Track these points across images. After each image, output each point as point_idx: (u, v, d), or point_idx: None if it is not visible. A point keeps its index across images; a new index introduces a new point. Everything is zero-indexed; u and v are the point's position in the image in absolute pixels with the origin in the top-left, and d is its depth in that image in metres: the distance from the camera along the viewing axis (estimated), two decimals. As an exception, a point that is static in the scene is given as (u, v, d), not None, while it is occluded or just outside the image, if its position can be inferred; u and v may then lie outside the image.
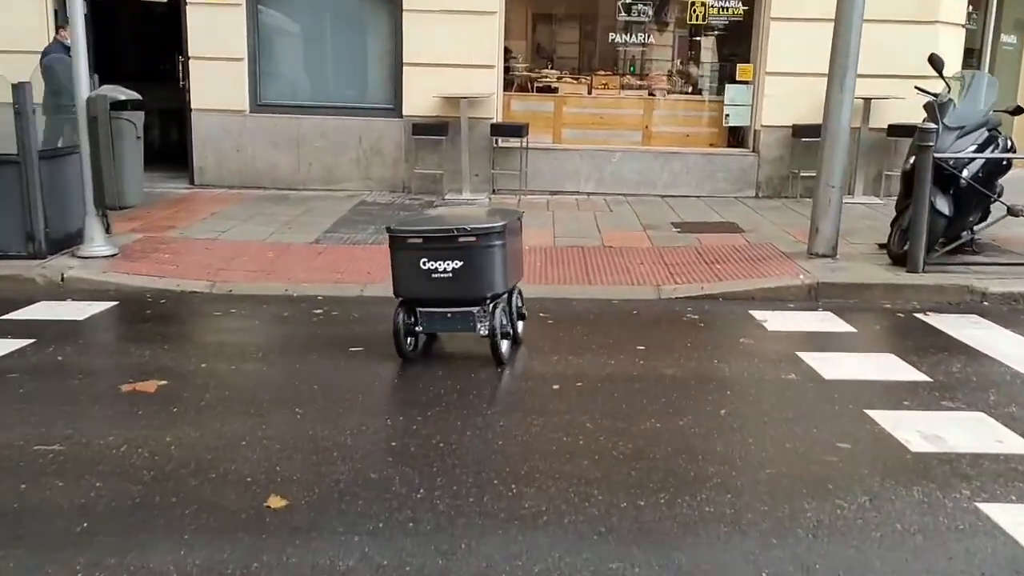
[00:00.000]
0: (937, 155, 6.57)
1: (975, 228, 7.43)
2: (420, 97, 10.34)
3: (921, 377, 4.77)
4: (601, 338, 5.48)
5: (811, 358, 5.08)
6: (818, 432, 3.98)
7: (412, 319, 4.83)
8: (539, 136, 10.94)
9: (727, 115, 10.94)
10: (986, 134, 6.93)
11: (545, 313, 5.95)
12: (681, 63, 11.71)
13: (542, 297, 6.31)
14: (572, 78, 11.43)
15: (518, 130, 10.27)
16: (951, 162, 6.71)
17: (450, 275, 4.61)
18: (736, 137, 11.27)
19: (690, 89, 11.58)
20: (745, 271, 6.92)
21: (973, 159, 6.84)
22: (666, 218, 9.20)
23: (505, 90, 11.07)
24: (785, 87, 10.44)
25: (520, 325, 5.31)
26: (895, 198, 10.65)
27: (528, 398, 4.44)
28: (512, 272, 4.92)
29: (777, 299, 6.49)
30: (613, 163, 10.74)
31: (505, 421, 4.10)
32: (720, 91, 11.09)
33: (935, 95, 7.22)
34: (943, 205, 6.77)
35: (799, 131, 10.33)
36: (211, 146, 10.13)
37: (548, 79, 11.37)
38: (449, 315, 4.73)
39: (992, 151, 6.99)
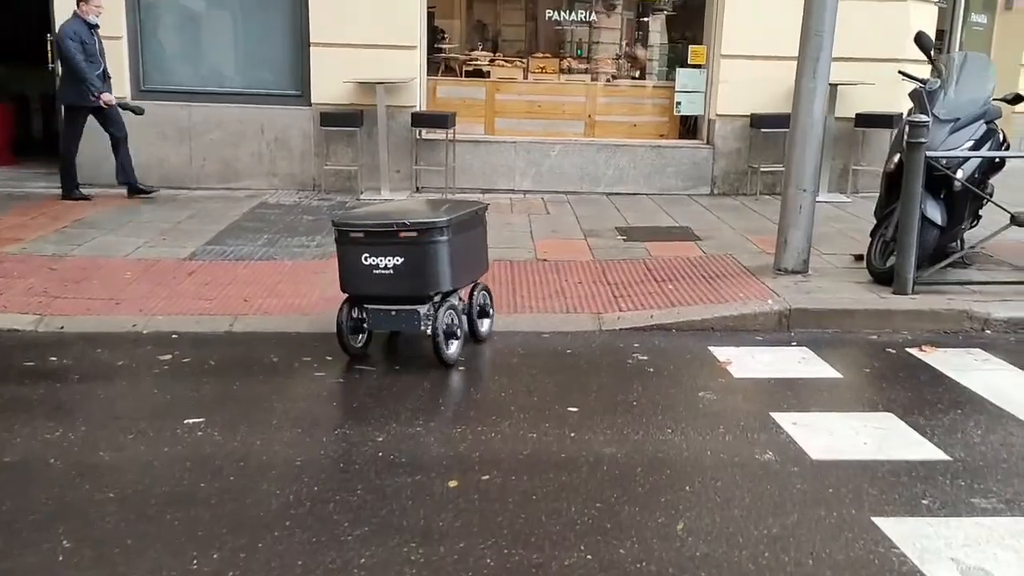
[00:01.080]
0: (929, 153, 5.48)
1: (965, 236, 6.40)
2: (331, 82, 9.00)
3: (935, 453, 3.66)
4: (524, 395, 4.29)
5: (791, 423, 3.94)
6: (815, 568, 2.82)
7: (360, 315, 4.64)
8: (469, 127, 9.69)
9: (678, 103, 9.80)
10: (984, 127, 5.87)
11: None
12: (628, 45, 10.55)
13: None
14: (506, 61, 10.19)
15: (444, 120, 9.00)
16: (943, 161, 5.62)
17: (391, 272, 4.44)
18: (688, 128, 10.15)
19: (637, 74, 10.43)
20: (703, 293, 5.77)
21: (968, 158, 5.77)
22: (611, 221, 8.03)
23: (430, 74, 9.80)
24: (742, 72, 9.32)
25: (486, 323, 5.07)
26: (864, 196, 9.74)
27: (412, 510, 3.17)
28: (464, 269, 4.71)
29: (742, 329, 5.36)
30: (552, 157, 9.54)
31: (370, 554, 2.88)
32: (671, 76, 9.94)
33: (922, 81, 6.14)
34: (935, 213, 5.70)
35: (758, 121, 9.23)
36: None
37: (479, 62, 10.12)
38: (393, 312, 4.55)
39: (990, 147, 5.93)
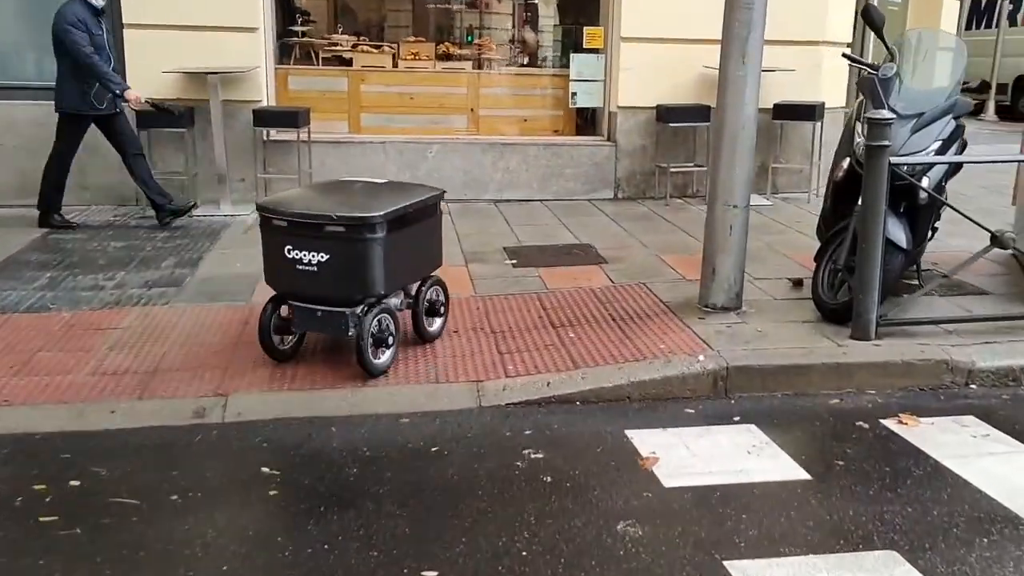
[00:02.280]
0: (893, 159, 4.27)
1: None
2: (150, 73, 7.28)
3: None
4: (356, 551, 2.85)
5: (756, 582, 2.64)
6: None
7: (289, 314, 4.14)
8: (329, 124, 8.15)
9: (574, 94, 8.47)
10: (952, 124, 4.71)
11: (238, 461, 3.28)
12: (515, 26, 9.17)
13: (257, 420, 3.68)
14: (372, 46, 8.68)
15: (294, 117, 7.43)
16: (905, 168, 4.43)
17: (315, 269, 3.93)
18: (587, 122, 8.85)
19: (527, 60, 9.06)
20: (614, 344, 4.45)
21: (933, 164, 4.61)
22: (499, 239, 6.63)
23: (281, 62, 8.21)
24: (646, 57, 8.06)
25: (437, 323, 4.59)
26: (785, 196, 8.66)
27: None
28: (406, 268, 4.24)
29: (668, 397, 4.06)
30: (430, 159, 8.09)
31: None
32: (565, 62, 8.60)
33: (872, 67, 4.95)
34: (898, 233, 4.52)
35: (666, 114, 7.99)
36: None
37: (340, 47, 8.56)
38: (319, 314, 4.04)
39: (957, 149, 4.79)
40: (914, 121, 4.58)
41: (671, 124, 7.99)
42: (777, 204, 8.07)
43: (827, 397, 4.11)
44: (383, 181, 4.93)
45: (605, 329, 4.68)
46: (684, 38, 7.94)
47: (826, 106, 8.14)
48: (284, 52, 8.34)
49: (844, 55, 5.32)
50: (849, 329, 4.48)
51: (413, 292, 4.41)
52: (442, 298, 4.61)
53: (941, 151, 4.63)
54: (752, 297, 5.03)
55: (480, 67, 8.87)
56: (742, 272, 4.87)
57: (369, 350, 3.96)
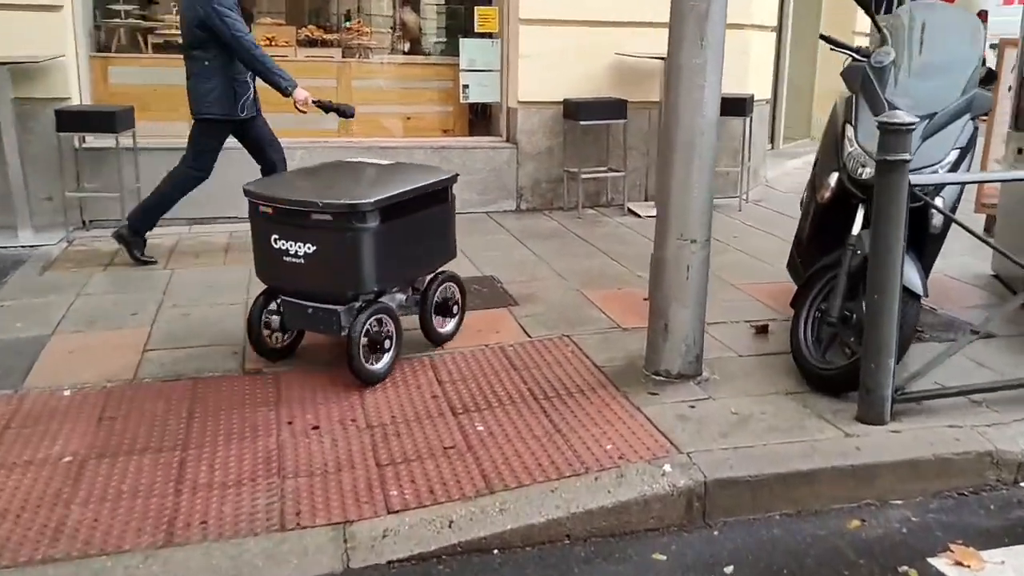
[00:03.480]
0: (915, 179, 3.12)
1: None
2: (-88, 63, 5.58)
3: None
4: None
5: None
6: None
7: (279, 309, 3.80)
8: (163, 126, 6.56)
9: (465, 86, 7.13)
10: (970, 127, 3.60)
11: None
12: (393, 7, 7.77)
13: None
14: (218, 29, 7.09)
15: (111, 119, 5.83)
16: (919, 186, 3.29)
17: (302, 261, 3.55)
18: (482, 119, 7.53)
19: (408, 46, 7.68)
20: (541, 446, 3.15)
21: (964, 182, 3.50)
22: (378, 272, 5.24)
23: (99, 50, 6.57)
24: (550, 42, 6.81)
25: (449, 324, 4.10)
26: (715, 204, 7.50)
27: None
28: (407, 262, 3.79)
29: (625, 532, 2.81)
30: (292, 166, 6.61)
31: None
32: (454, 49, 7.25)
33: (859, 52, 3.82)
34: (912, 275, 3.37)
35: (574, 110, 6.75)
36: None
37: (174, 30, 6.95)
38: (310, 311, 3.68)
39: (971, 159, 3.69)
40: (924, 124, 3.44)
41: (581, 122, 6.75)
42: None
43: (843, 516, 2.93)
44: (390, 163, 4.39)
45: (526, 415, 3.39)
46: (594, 20, 6.73)
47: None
48: (104, 37, 6.69)
49: (823, 37, 4.16)
50: (850, 404, 3.33)
51: (422, 288, 3.98)
52: (457, 295, 4.14)
53: (958, 163, 3.52)
54: (710, 354, 3.83)
55: (352, 55, 7.43)
56: (703, 328, 3.66)
57: (362, 354, 3.57)
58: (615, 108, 6.73)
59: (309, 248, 3.54)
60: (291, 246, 3.57)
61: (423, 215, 3.81)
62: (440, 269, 4.06)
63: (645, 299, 4.67)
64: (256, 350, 3.86)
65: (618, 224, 6.56)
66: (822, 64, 10.21)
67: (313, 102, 5.33)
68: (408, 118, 7.27)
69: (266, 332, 3.84)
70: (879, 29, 3.78)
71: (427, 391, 3.64)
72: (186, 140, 5.49)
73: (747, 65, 7.26)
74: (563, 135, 6.97)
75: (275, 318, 3.84)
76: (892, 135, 3.04)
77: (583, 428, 3.26)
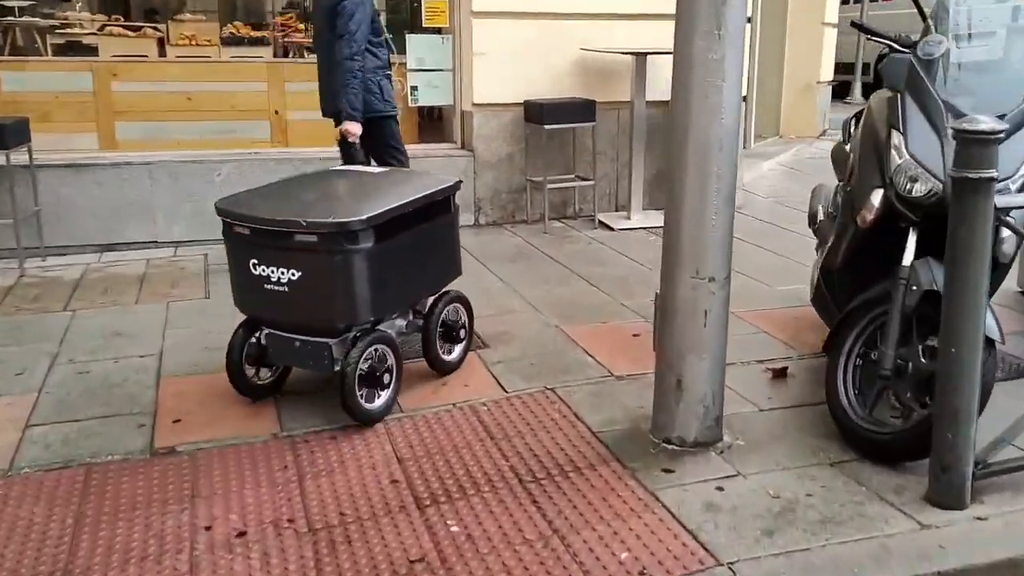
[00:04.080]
0: (1000, 202, 2.47)
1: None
2: None
3: None
4: None
5: None
6: None
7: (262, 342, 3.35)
8: (65, 139, 5.72)
9: (413, 88, 6.37)
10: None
11: None
12: None
13: None
14: (129, 28, 6.26)
15: (-1, 134, 4.98)
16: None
17: (285, 289, 3.09)
18: (434, 124, 6.79)
19: (348, 44, 6.87)
20: (536, 556, 2.43)
21: None
22: (320, 308, 4.47)
23: (-13, 52, 5.69)
24: (507, 37, 6.10)
25: (456, 350, 3.64)
26: None
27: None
28: (406, 285, 3.35)
29: None
30: (219, 183, 5.80)
31: None
32: (400, 47, 6.48)
33: (896, 42, 3.18)
34: (990, 320, 2.71)
35: (538, 113, 6.05)
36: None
37: (79, 29, 6.09)
38: (297, 344, 3.22)
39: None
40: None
41: (546, 126, 6.05)
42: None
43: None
44: (382, 170, 4.06)
45: (512, 508, 2.67)
46: (557, 12, 6.05)
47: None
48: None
49: (854, 24, 3.51)
50: (913, 478, 2.69)
51: (424, 311, 3.56)
52: (463, 318, 3.71)
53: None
54: (725, 408, 3.14)
55: (285, 55, 6.63)
56: (723, 384, 2.98)
57: (358, 392, 3.14)
58: (583, 110, 6.05)
59: (293, 274, 3.07)
60: (272, 272, 3.10)
61: (424, 229, 3.36)
62: (444, 288, 3.62)
63: (635, 335, 4.04)
64: (237, 389, 3.36)
65: (590, 240, 5.87)
66: (791, 58, 9.68)
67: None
68: (350, 124, 6.47)
69: (249, 369, 3.36)
70: (923, 16, 3.13)
71: (384, 473, 2.90)
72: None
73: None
74: (525, 140, 6.26)
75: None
76: (974, 146, 2.38)
77: (587, 527, 2.55)
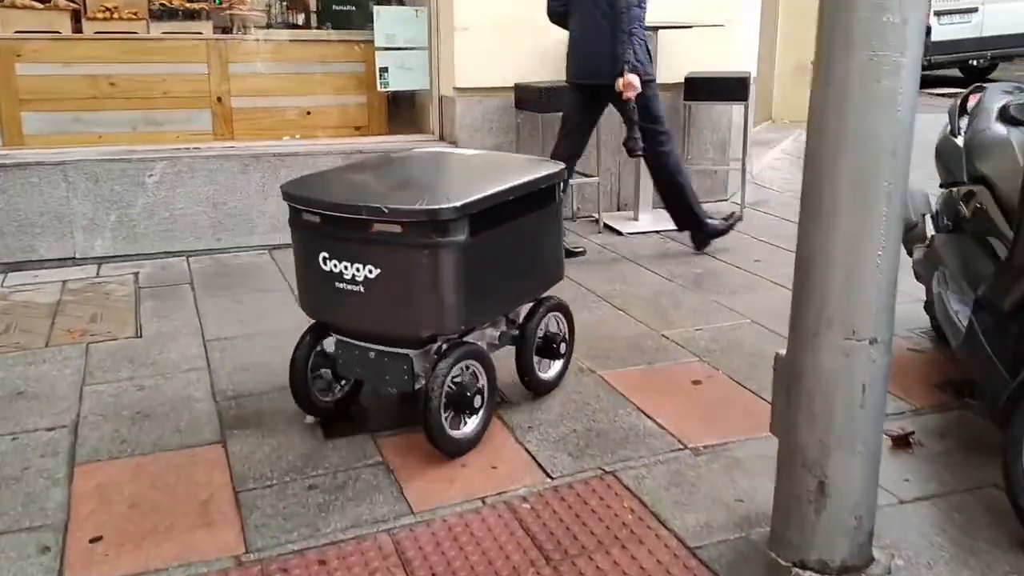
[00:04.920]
0: None
1: None
2: None
3: None
4: None
5: None
6: None
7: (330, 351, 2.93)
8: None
9: (383, 70, 5.40)
10: None
11: None
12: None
13: None
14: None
15: None
16: None
17: (361, 289, 2.64)
18: (407, 112, 5.85)
19: (303, 18, 5.91)
20: None
21: None
22: (285, 341, 3.48)
23: None
24: (495, 9, 5.18)
25: (556, 367, 3.16)
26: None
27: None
28: (503, 290, 2.85)
29: None
30: (151, 185, 4.80)
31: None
32: (367, 20, 5.50)
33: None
34: None
35: (531, 97, 5.14)
36: None
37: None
38: (372, 355, 2.78)
39: None
40: None
41: (541, 114, 5.15)
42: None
43: None
44: (476, 152, 3.97)
45: None
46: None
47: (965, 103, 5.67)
48: None
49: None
50: None
51: (519, 320, 3.06)
52: (564, 330, 3.21)
53: None
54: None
55: (228, 30, 5.62)
56: (877, 486, 2.13)
57: (443, 417, 2.61)
58: (577, 99, 5.15)
59: (370, 271, 2.63)
60: (346, 268, 2.66)
61: (524, 223, 2.88)
62: (543, 295, 3.12)
63: (695, 383, 3.20)
64: (303, 408, 2.90)
65: (600, 248, 5.00)
66: (784, 36, 8.92)
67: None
68: (307, 112, 5.50)
69: (318, 384, 2.90)
70: None
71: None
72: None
73: (733, 36, 5.78)
74: (516, 131, 5.36)
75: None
76: None
77: None
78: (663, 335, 3.66)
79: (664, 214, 5.06)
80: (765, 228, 5.34)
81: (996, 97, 3.08)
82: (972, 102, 3.25)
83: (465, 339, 2.79)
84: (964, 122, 3.19)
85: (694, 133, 5.78)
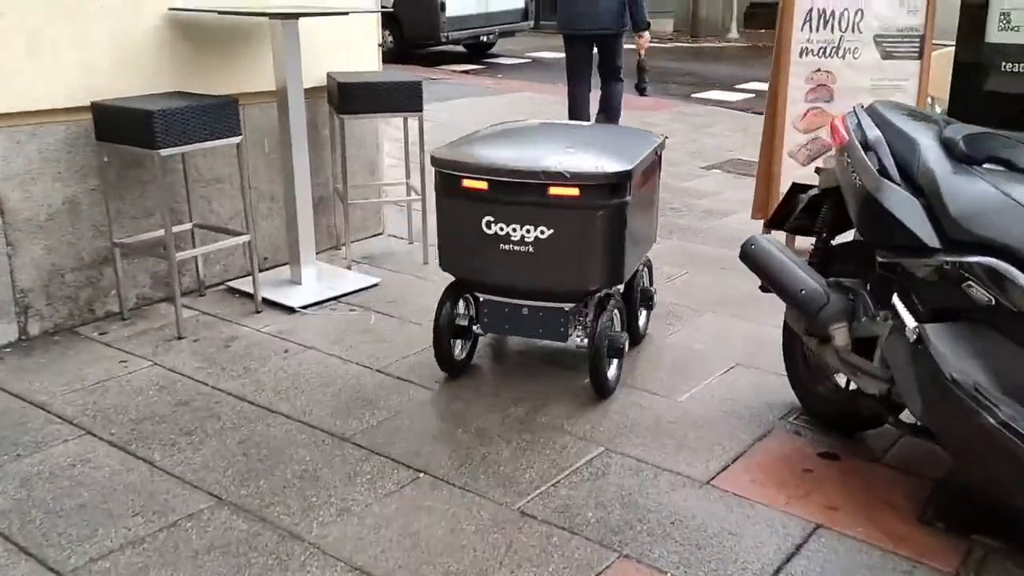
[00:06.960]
0: None
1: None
2: None
3: None
4: None
5: None
6: None
7: (468, 311, 3.14)
8: None
9: None
10: None
11: None
12: None
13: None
14: None
15: None
16: None
17: (530, 249, 2.84)
18: None
19: None
20: None
21: None
22: None
23: None
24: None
25: (643, 316, 3.47)
26: (372, 255, 4.46)
27: None
28: (640, 245, 3.17)
29: None
30: None
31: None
32: None
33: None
34: None
35: (114, 124, 3.25)
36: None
37: None
38: (526, 311, 2.98)
39: None
40: None
41: (125, 146, 3.30)
42: (386, 278, 4.07)
43: None
44: (586, 124, 4.34)
45: None
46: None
47: None
48: None
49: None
50: None
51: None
52: (651, 282, 3.56)
53: None
54: None
55: None
56: None
57: (606, 363, 2.95)
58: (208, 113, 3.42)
59: (542, 232, 2.78)
60: (515, 231, 2.80)
61: (651, 187, 3.18)
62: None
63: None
64: (441, 364, 3.03)
65: (277, 347, 3.37)
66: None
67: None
68: None
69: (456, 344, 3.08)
70: None
71: None
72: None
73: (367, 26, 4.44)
74: (99, 174, 3.41)
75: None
76: None
77: None
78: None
79: (340, 269, 3.68)
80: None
81: (910, 126, 2.33)
82: (845, 125, 2.47)
83: (608, 297, 2.91)
84: (848, 157, 2.40)
85: (351, 147, 4.31)
